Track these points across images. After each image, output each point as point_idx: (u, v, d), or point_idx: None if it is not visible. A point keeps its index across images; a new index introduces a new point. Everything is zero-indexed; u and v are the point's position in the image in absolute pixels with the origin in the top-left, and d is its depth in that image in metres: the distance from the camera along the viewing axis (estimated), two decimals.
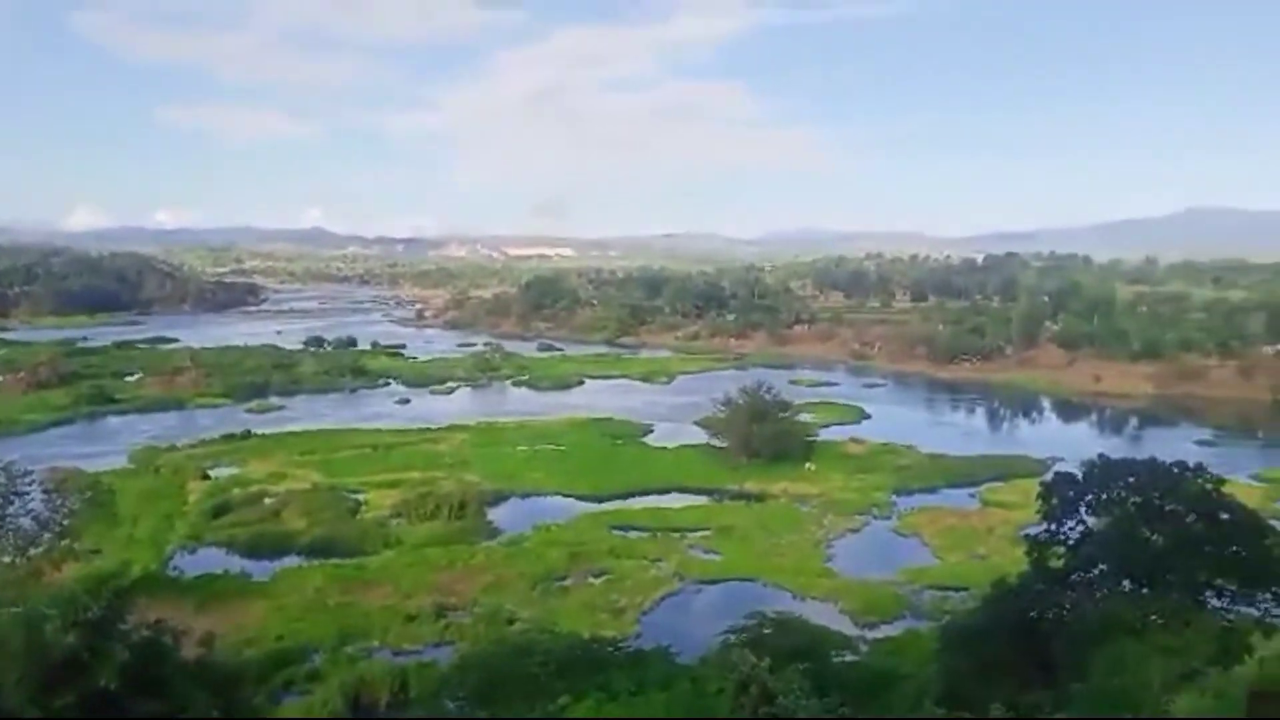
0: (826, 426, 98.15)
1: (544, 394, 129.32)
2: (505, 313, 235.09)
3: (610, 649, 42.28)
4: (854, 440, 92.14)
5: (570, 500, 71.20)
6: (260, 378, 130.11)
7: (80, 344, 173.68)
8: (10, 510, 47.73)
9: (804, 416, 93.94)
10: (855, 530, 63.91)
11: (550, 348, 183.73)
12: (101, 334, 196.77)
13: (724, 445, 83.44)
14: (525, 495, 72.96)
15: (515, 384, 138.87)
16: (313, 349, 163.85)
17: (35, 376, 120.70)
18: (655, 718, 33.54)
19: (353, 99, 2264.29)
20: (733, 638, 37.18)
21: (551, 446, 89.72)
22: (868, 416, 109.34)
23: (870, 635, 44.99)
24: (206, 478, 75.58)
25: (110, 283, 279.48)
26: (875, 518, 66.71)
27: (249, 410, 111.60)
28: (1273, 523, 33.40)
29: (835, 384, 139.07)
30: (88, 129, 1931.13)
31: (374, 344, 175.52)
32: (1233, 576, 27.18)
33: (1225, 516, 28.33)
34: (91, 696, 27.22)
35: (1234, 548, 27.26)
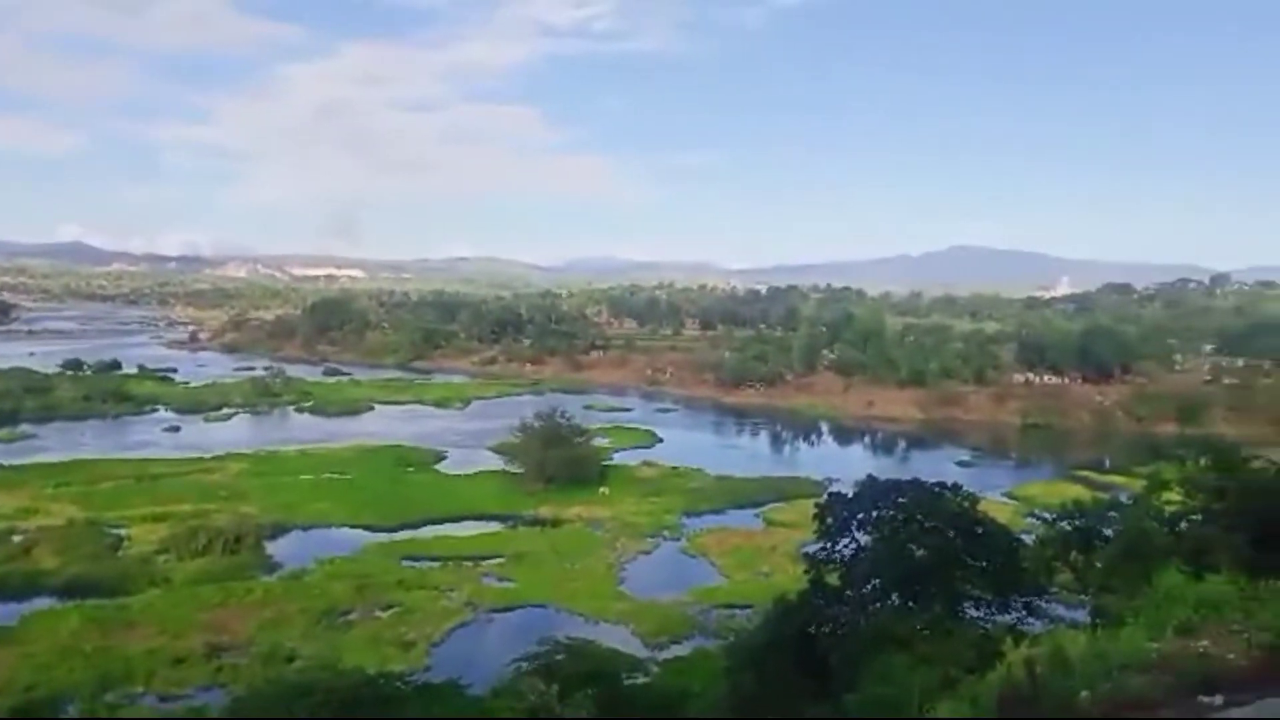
0: (620, 451, 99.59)
1: (330, 420, 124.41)
2: (289, 335, 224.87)
3: (398, 684, 40.89)
4: (646, 464, 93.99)
5: (358, 531, 68.76)
6: (8, 403, 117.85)
7: None
8: None
9: (599, 441, 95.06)
10: (647, 552, 65.08)
11: (337, 372, 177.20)
12: None
13: (519, 471, 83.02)
14: (308, 527, 69.81)
15: (299, 410, 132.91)
16: (70, 372, 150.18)
17: None
18: None
19: (120, 109, 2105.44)
20: (524, 666, 36.79)
21: (338, 475, 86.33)
22: (660, 440, 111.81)
23: (661, 656, 45.83)
24: None
25: None
26: (666, 539, 68.18)
27: None
28: (1023, 536, 36.66)
29: (629, 409, 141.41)
30: None
31: (140, 367, 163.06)
32: (988, 587, 29.56)
33: (980, 532, 30.80)
34: None
35: (988, 561, 29.69)
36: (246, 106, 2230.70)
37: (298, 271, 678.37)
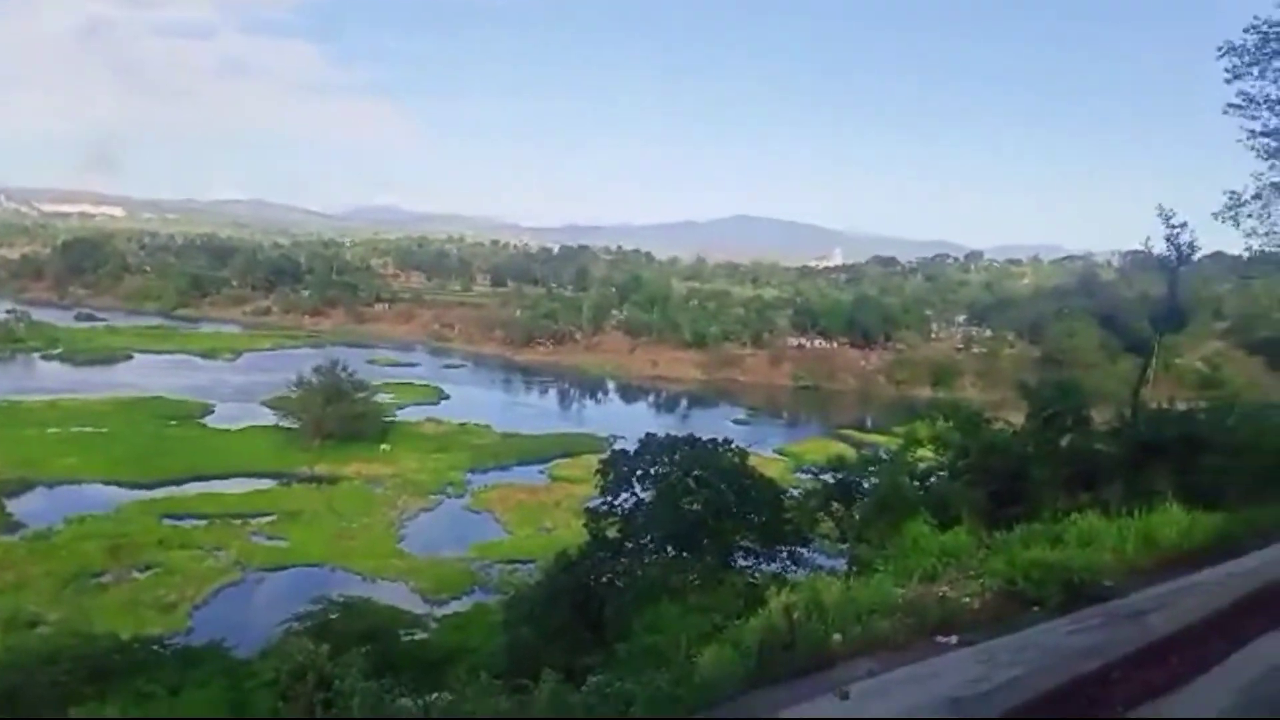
0: (404, 407, 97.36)
1: (82, 369, 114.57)
2: (36, 276, 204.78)
3: (154, 647, 38.54)
4: (431, 420, 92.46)
5: (113, 488, 64.14)
6: None
7: None
8: None
9: (381, 397, 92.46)
10: (429, 510, 64.31)
11: (91, 318, 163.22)
12: None
13: (295, 427, 79.55)
14: (55, 484, 64.42)
15: (45, 357, 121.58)
16: None
17: None
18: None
19: None
20: (295, 626, 35.53)
21: (89, 428, 79.84)
22: (446, 397, 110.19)
23: (440, 612, 45.51)
24: None
25: None
26: (450, 496, 67.59)
27: None
28: (790, 490, 38.73)
29: (415, 365, 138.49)
30: None
31: None
32: (757, 538, 31.11)
33: (751, 486, 32.31)
34: None
35: (757, 513, 31.21)
36: None
37: (49, 207, 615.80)
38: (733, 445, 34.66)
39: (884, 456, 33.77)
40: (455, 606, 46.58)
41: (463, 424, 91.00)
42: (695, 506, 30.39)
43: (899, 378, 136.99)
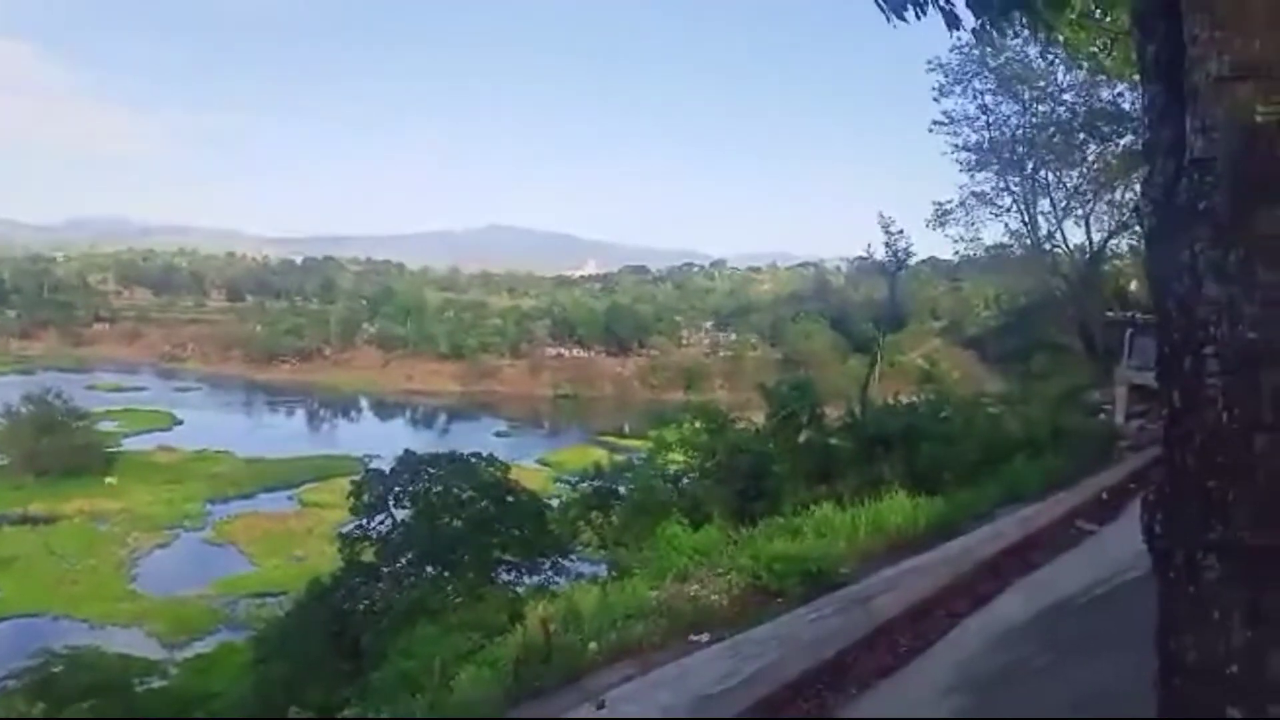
0: (132, 436, 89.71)
1: None
2: None
3: None
4: (163, 449, 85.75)
5: None
6: None
7: None
8: None
9: (105, 425, 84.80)
10: (164, 546, 59.85)
11: None
12: None
13: (3, 463, 71.41)
14: None
15: None
16: None
17: None
18: None
19: None
20: (12, 684, 31.93)
21: None
22: (179, 423, 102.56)
23: (179, 656, 42.30)
24: None
25: None
26: (187, 530, 63.18)
27: None
28: (551, 500, 38.91)
29: (143, 389, 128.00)
30: None
31: None
32: (519, 551, 31.03)
33: (511, 499, 32.22)
34: None
35: (519, 526, 31.15)
36: None
37: None
38: (494, 459, 34.46)
39: (637, 461, 34.64)
40: (198, 648, 43.43)
41: (200, 451, 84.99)
42: (456, 524, 29.97)
43: (653, 382, 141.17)
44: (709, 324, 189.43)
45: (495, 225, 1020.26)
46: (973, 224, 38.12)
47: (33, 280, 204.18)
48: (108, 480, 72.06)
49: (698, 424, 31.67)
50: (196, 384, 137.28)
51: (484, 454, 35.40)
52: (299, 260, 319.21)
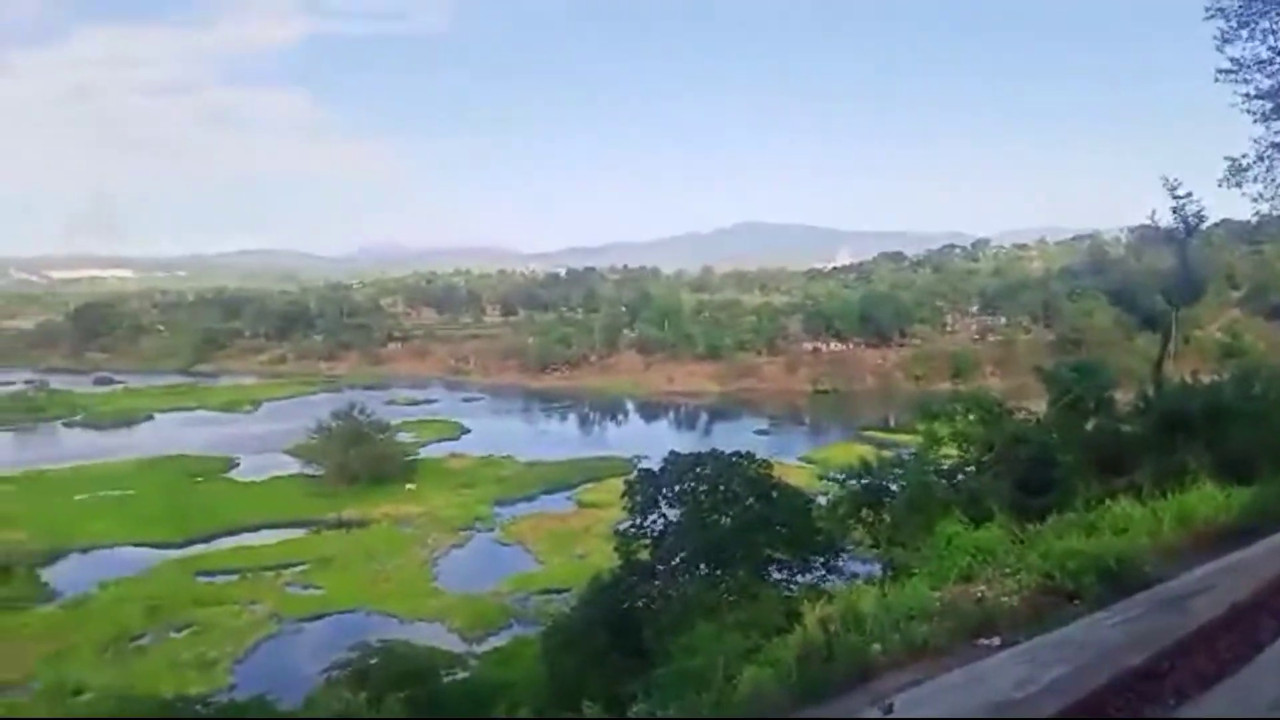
0: (426, 444, 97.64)
1: (105, 433, 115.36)
2: (52, 344, 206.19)
3: (197, 706, 38.63)
4: (455, 456, 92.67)
5: (144, 550, 64.37)
6: None
7: None
8: None
9: (403, 436, 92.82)
10: (460, 545, 64.36)
11: (110, 381, 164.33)
12: None
13: (319, 473, 79.89)
14: (88, 549, 64.79)
15: (67, 424, 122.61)
16: None
17: None
18: None
19: None
20: (335, 674, 35.56)
21: (116, 491, 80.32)
22: (467, 431, 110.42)
23: (480, 649, 45.44)
24: None
25: None
26: (479, 530, 67.65)
27: None
28: (818, 498, 38.51)
29: (433, 401, 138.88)
30: None
31: None
32: (788, 550, 30.92)
33: (777, 496, 32.16)
34: None
35: (786, 524, 31.04)
36: None
37: (56, 274, 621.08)
38: (756, 457, 34.54)
39: (907, 457, 33.54)
40: (494, 642, 46.56)
41: (486, 457, 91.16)
42: (724, 522, 30.30)
43: (917, 373, 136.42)
44: (975, 308, 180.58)
45: (744, 223, 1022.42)
46: (1273, 179, 33.98)
47: (334, 306, 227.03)
48: (408, 486, 78.83)
49: (970, 415, 30.27)
50: (479, 394, 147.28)
51: (746, 452, 35.56)
52: (562, 273, 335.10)
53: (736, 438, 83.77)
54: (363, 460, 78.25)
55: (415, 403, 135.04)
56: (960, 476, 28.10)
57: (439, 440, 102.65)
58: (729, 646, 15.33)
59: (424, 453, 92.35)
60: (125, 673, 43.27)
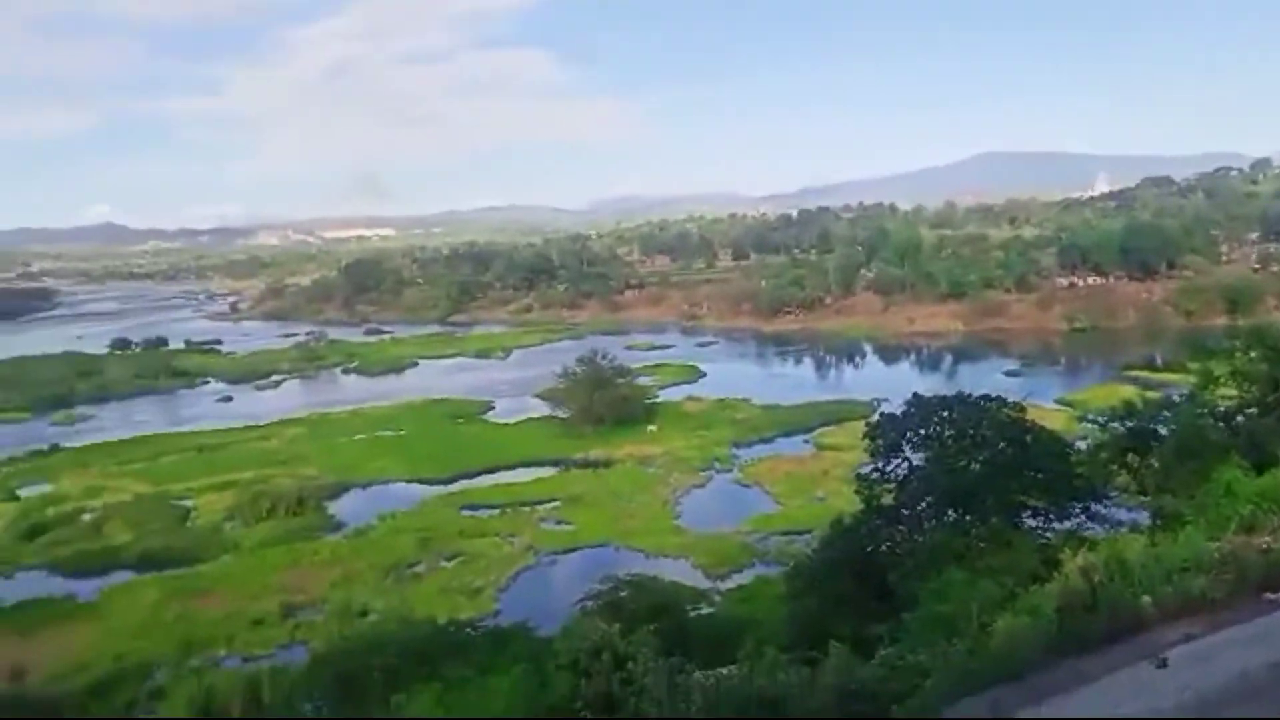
0: (665, 388, 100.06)
1: (376, 379, 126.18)
2: (327, 299, 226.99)
3: (468, 630, 42.04)
4: (692, 399, 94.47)
5: (415, 485, 70.14)
6: (63, 387, 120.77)
7: None
8: None
9: (642, 380, 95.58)
10: (700, 486, 65.77)
11: (378, 331, 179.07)
12: None
13: (567, 415, 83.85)
14: (367, 484, 71.32)
15: (345, 371, 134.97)
16: (119, 352, 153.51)
17: None
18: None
19: (125, 86, 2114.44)
20: (589, 605, 37.58)
21: (390, 432, 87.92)
22: (703, 374, 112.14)
23: (723, 586, 46.54)
24: (15, 498, 70.35)
25: None
26: (718, 471, 68.79)
27: (54, 423, 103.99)
28: (1076, 442, 36.49)
29: (670, 346, 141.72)
30: None
31: (187, 342, 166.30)
32: (1044, 497, 29.56)
33: (1031, 441, 30.71)
34: None
35: (1041, 470, 29.63)
36: (255, 74, 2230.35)
37: (329, 234, 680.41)
38: (1007, 400, 33.08)
39: (1177, 398, 31.06)
40: (737, 580, 47.49)
41: (722, 400, 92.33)
42: (973, 467, 29.36)
43: (1188, 307, 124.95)
44: (1254, 235, 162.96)
45: (986, 153, 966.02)
46: None
47: (574, 257, 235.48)
48: (649, 428, 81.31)
49: (1252, 352, 27.61)
50: (713, 338, 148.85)
51: (995, 395, 34.13)
52: (794, 214, 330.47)
53: (984, 380, 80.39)
54: (606, 403, 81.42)
55: (652, 347, 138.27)
56: (1240, 419, 25.80)
57: (676, 384, 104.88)
58: (982, 593, 15.05)
59: (662, 396, 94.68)
60: (403, 597, 47.47)
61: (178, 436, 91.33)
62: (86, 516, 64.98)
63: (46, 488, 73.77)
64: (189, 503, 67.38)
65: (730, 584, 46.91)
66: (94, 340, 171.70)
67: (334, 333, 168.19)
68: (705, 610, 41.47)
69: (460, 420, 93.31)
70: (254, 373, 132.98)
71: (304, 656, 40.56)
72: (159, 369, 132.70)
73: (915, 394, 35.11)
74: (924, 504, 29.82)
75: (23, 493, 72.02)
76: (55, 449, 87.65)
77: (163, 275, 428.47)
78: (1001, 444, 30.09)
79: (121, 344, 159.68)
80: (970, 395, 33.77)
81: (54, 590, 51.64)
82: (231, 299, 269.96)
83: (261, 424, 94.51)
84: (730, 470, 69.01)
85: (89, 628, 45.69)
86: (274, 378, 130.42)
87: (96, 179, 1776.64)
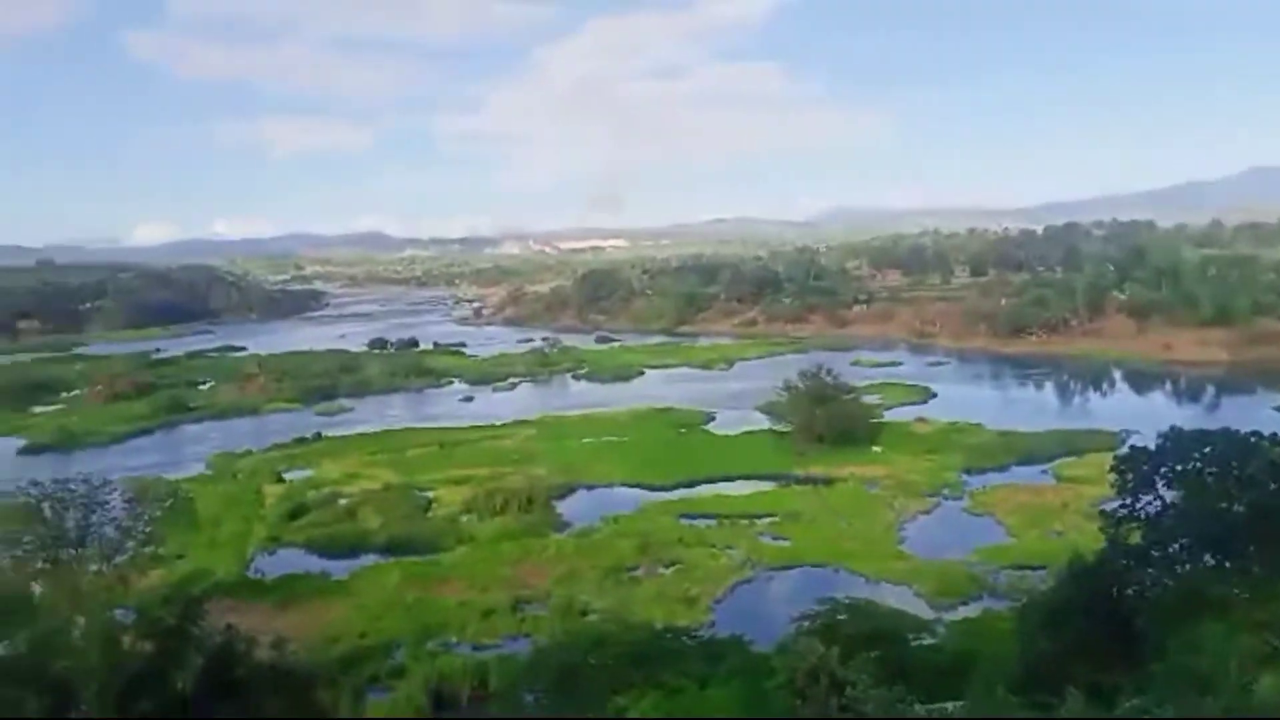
0: (891, 407, 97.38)
1: (605, 386, 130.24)
2: (562, 306, 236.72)
3: (684, 638, 42.64)
4: (921, 420, 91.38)
5: (637, 490, 71.57)
6: (328, 381, 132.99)
7: (155, 355, 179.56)
8: (94, 519, 49.16)
9: (868, 398, 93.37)
10: (927, 511, 63.42)
11: (608, 339, 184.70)
12: (174, 345, 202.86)
13: (788, 430, 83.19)
14: (592, 487, 73.55)
15: (575, 377, 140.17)
16: (377, 350, 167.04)
17: (113, 388, 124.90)
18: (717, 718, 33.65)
19: (401, 103, 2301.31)
20: (805, 625, 37.18)
21: (615, 438, 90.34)
22: (933, 395, 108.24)
23: (947, 617, 44.68)
24: (281, 481, 77.57)
25: (179, 294, 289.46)
26: (946, 498, 66.13)
27: (319, 413, 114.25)
28: None
29: (898, 364, 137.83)
30: (146, 146, 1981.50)
31: (435, 344, 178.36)
32: None
33: None
34: (169, 702, 28.47)
35: None
36: (508, 90, 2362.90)
37: (566, 245, 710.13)
38: (1279, 437, 30.03)
39: None
40: (963, 612, 45.42)
41: (953, 423, 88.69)
42: (1236, 509, 26.82)
43: None
44: None
45: (1257, 167, 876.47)
46: None
47: (801, 270, 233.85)
48: (874, 448, 79.32)
49: None
50: (945, 358, 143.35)
51: (1265, 432, 31.01)
52: (1039, 230, 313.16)
53: (1251, 414, 73.23)
54: (829, 420, 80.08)
55: (879, 365, 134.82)
56: None
57: (904, 404, 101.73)
58: (1242, 648, 13.75)
59: (889, 415, 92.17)
60: (622, 599, 48.51)
61: (423, 432, 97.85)
62: (342, 501, 70.66)
63: (309, 472, 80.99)
64: (430, 494, 71.80)
65: (955, 615, 44.94)
66: (355, 339, 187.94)
67: (567, 339, 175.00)
68: (928, 641, 40.01)
69: (683, 429, 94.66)
70: (493, 375, 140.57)
71: (528, 649, 42.46)
72: (410, 368, 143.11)
73: (1173, 427, 32.49)
74: (1177, 546, 27.57)
75: (288, 476, 79.33)
76: (318, 437, 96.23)
77: (416, 281, 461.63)
78: (1272, 485, 27.32)
79: (379, 343, 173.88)
80: (1236, 431, 30.92)
81: (310, 567, 56.36)
82: (476, 304, 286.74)
83: (497, 424, 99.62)
84: (960, 497, 66.18)
85: (339, 604, 49.53)
86: (510, 380, 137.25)
87: (367, 191, 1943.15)
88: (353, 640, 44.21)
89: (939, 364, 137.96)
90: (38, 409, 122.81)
